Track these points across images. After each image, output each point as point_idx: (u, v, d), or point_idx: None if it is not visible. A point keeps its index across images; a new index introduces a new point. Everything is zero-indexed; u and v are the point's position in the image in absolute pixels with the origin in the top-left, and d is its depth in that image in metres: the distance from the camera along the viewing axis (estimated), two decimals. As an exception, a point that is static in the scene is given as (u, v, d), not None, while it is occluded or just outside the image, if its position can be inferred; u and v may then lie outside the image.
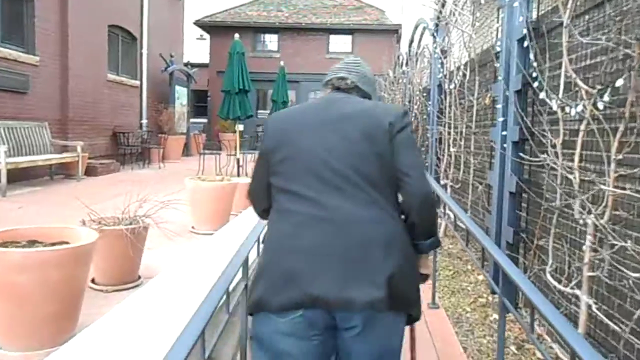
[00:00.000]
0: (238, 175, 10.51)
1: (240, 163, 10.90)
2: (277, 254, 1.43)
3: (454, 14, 5.79)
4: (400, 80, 11.43)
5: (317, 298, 1.34)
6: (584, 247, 2.56)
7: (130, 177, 10.34)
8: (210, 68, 21.17)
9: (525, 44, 3.45)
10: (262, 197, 1.58)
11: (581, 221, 2.62)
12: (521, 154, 3.87)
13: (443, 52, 6.74)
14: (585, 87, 2.65)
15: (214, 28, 20.90)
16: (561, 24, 3.36)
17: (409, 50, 10.21)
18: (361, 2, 22.67)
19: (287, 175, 1.48)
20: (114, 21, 12.29)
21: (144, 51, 13.80)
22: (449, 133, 6.18)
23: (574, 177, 2.70)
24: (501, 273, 3.36)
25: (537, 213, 3.61)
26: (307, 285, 1.35)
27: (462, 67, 5.58)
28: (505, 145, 4.04)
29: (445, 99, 6.47)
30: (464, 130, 5.60)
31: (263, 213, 1.63)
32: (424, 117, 8.11)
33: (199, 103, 24.03)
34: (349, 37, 21.22)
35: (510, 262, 3.07)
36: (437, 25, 7.04)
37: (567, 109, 2.95)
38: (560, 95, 2.95)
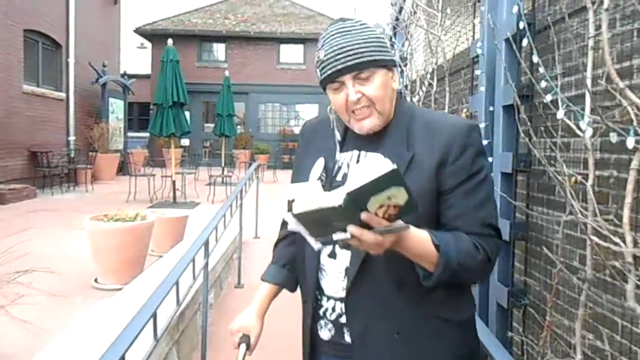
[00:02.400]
0: (174, 200, 9.26)
1: (178, 186, 9.65)
2: None
3: (416, 13, 4.88)
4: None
5: None
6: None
7: (45, 205, 8.90)
8: (152, 79, 19.73)
9: (524, 42, 2.50)
10: None
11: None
12: (517, 190, 2.93)
13: (403, 59, 5.84)
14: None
15: (155, 36, 19.48)
16: (577, 11, 2.45)
17: (364, 59, 9.29)
18: (313, 10, 21.82)
19: None
20: (31, 25, 10.84)
21: (71, 60, 12.36)
22: (413, 153, 5.25)
23: (623, 243, 1.74)
24: None
25: (545, 270, 2.66)
26: None
27: (428, 75, 4.65)
28: (491, 175, 3.09)
29: (407, 113, 5.53)
30: (431, 151, 4.66)
31: None
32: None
33: (142, 116, 22.47)
34: (300, 47, 20.26)
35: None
36: (394, 28, 6.15)
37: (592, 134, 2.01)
38: (587, 113, 2.01)
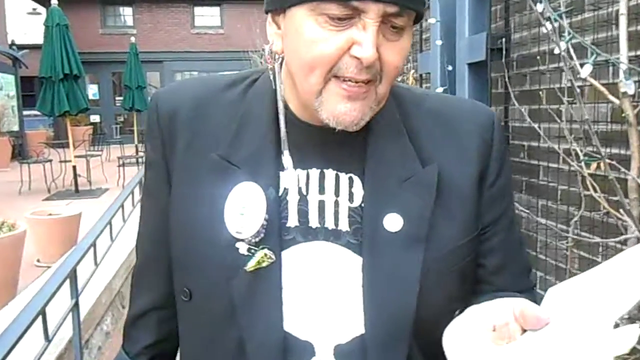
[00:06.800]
0: (76, 189, 8.03)
1: (82, 171, 8.40)
2: None
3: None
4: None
5: None
6: None
7: None
8: (51, 49, 17.60)
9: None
10: None
11: None
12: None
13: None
14: None
15: (50, 0, 17.26)
16: None
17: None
18: (228, -31, 20.27)
19: None
20: None
21: (-61, 28, 10.45)
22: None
23: None
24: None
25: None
26: None
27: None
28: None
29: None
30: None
31: None
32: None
33: (45, 92, 20.18)
34: (216, 9, 18.77)
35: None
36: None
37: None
38: (625, 62, 1.32)
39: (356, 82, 0.60)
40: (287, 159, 0.67)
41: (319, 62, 0.60)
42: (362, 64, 0.59)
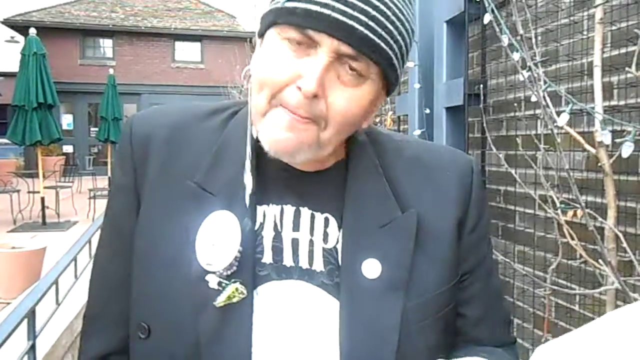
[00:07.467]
0: (44, 221, 7.79)
1: (50, 202, 8.17)
2: None
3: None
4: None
5: None
6: None
7: None
8: (26, 78, 17.39)
9: (486, 18, 1.81)
10: None
11: None
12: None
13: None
14: None
15: (29, 29, 17.20)
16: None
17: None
18: (210, 6, 20.60)
19: None
20: None
21: None
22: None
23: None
24: None
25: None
26: None
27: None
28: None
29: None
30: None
31: None
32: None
33: (17, 120, 19.81)
34: (197, 44, 18.96)
35: None
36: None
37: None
38: (600, 111, 1.34)
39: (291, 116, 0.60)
40: (248, 197, 0.65)
41: (267, 84, 0.60)
42: (303, 96, 0.57)
